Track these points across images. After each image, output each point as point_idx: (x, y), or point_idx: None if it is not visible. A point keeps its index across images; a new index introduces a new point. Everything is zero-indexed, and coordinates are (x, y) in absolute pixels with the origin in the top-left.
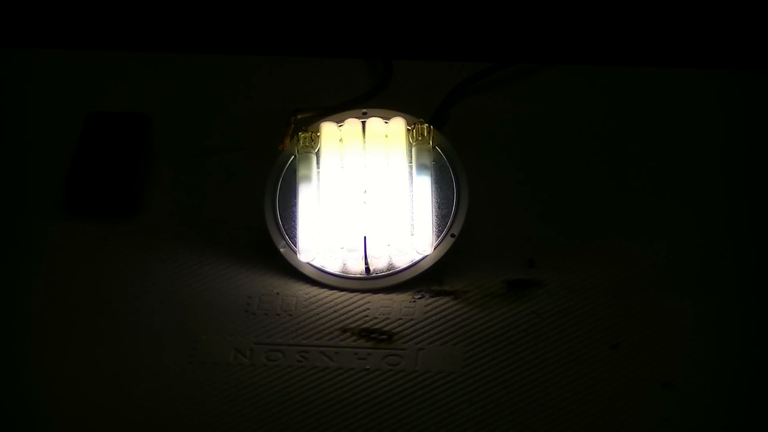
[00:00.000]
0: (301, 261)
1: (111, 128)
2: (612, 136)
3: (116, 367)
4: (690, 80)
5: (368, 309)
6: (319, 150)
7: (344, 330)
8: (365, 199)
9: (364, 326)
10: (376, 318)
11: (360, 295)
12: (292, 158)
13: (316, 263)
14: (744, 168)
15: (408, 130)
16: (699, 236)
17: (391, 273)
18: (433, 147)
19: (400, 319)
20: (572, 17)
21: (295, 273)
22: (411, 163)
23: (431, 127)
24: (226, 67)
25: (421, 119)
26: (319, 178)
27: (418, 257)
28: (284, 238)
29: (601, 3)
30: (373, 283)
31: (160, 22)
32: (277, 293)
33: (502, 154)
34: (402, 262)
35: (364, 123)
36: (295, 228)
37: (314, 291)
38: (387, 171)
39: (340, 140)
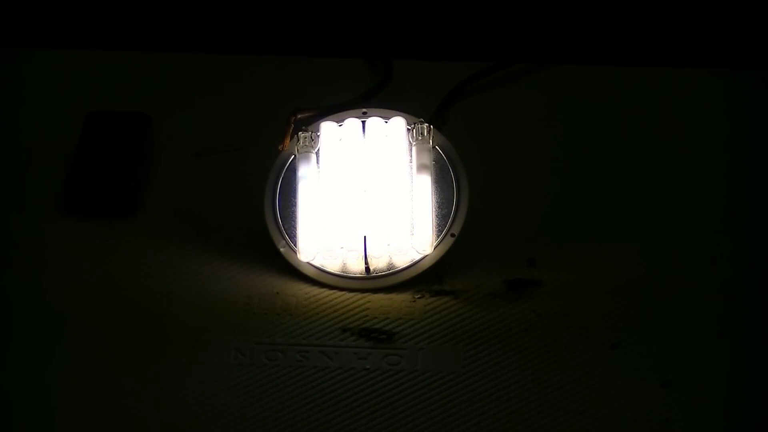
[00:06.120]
0: (301, 261)
1: (111, 128)
2: (612, 135)
3: (116, 367)
4: (690, 80)
5: (368, 309)
6: (319, 150)
7: (344, 330)
8: (365, 199)
9: (364, 326)
10: (376, 318)
11: (360, 295)
12: (292, 158)
13: (316, 263)
14: (745, 168)
15: (408, 129)
16: (699, 236)
17: (391, 273)
18: (433, 147)
19: (400, 318)
20: (572, 17)
21: (295, 273)
22: (411, 162)
23: (431, 126)
24: (225, 67)
25: (421, 119)
26: (319, 178)
27: (418, 257)
28: (284, 238)
29: (601, 3)
30: (373, 282)
31: (160, 22)
32: (277, 293)
33: (502, 154)
34: (402, 261)
35: (364, 123)
36: (295, 228)
37: (314, 291)
38: (387, 171)
39: (340, 140)
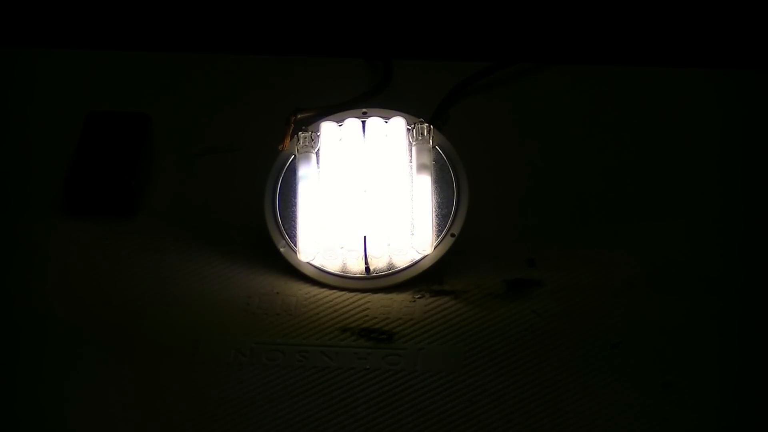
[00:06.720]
0: (301, 261)
1: (111, 128)
2: (612, 135)
3: (115, 366)
4: (690, 80)
5: (368, 309)
6: (319, 150)
7: (344, 330)
8: (365, 199)
9: (364, 326)
10: (376, 318)
11: (360, 295)
12: (292, 158)
13: (316, 263)
14: (743, 167)
15: (408, 129)
16: (699, 236)
17: (391, 273)
18: (433, 147)
19: (400, 318)
20: (572, 17)
21: (295, 273)
22: (411, 162)
23: (431, 126)
24: (226, 67)
25: (421, 119)
26: (319, 178)
27: (418, 257)
28: (284, 238)
29: (601, 3)
30: (373, 282)
31: (160, 22)
32: (277, 293)
33: (502, 154)
34: (402, 261)
35: (364, 123)
36: (295, 228)
37: (314, 291)
38: (387, 171)
39: (340, 140)
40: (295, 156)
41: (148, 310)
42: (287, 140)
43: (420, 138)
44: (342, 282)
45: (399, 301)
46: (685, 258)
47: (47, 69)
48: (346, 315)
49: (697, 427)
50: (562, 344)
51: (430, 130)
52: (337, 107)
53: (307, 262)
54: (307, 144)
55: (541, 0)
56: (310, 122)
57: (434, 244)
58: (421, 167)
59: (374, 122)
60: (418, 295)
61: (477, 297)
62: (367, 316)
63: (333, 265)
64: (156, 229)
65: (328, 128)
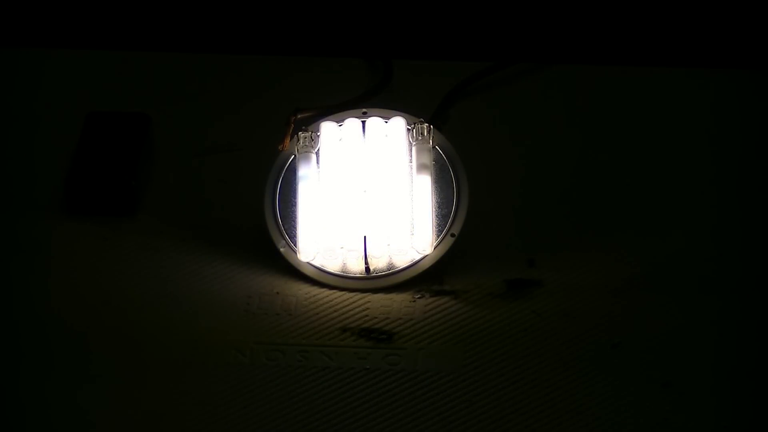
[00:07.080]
0: (301, 261)
1: (111, 128)
2: (612, 135)
3: (115, 366)
4: (689, 80)
5: (368, 309)
6: (319, 150)
7: (344, 330)
8: (365, 199)
9: (364, 326)
10: (376, 318)
11: (360, 295)
12: (292, 158)
13: (316, 263)
14: (742, 167)
15: (408, 129)
16: (698, 236)
17: (391, 273)
18: (433, 147)
19: (400, 318)
20: (572, 17)
21: (295, 273)
22: (411, 162)
23: (431, 126)
24: (226, 67)
25: (421, 119)
26: (319, 178)
27: (418, 257)
28: (284, 238)
29: (601, 3)
30: (373, 282)
31: (160, 22)
32: (277, 293)
33: (502, 154)
34: (402, 261)
35: (364, 123)
36: (295, 228)
37: (314, 291)
38: (387, 171)
39: (340, 140)
40: (295, 156)
41: (148, 310)
42: (287, 140)
43: (420, 138)
44: (342, 282)
45: (399, 301)
46: (685, 258)
47: (48, 69)
48: (346, 315)
49: (696, 427)
50: (562, 344)
51: (430, 130)
52: (337, 107)
53: (307, 262)
54: (307, 144)
55: (541, 0)
56: (310, 122)
57: (434, 244)
58: (421, 167)
59: (374, 122)
60: (418, 295)
61: (477, 297)
62: (367, 316)
63: (333, 265)
64: (156, 229)
65: (328, 128)
